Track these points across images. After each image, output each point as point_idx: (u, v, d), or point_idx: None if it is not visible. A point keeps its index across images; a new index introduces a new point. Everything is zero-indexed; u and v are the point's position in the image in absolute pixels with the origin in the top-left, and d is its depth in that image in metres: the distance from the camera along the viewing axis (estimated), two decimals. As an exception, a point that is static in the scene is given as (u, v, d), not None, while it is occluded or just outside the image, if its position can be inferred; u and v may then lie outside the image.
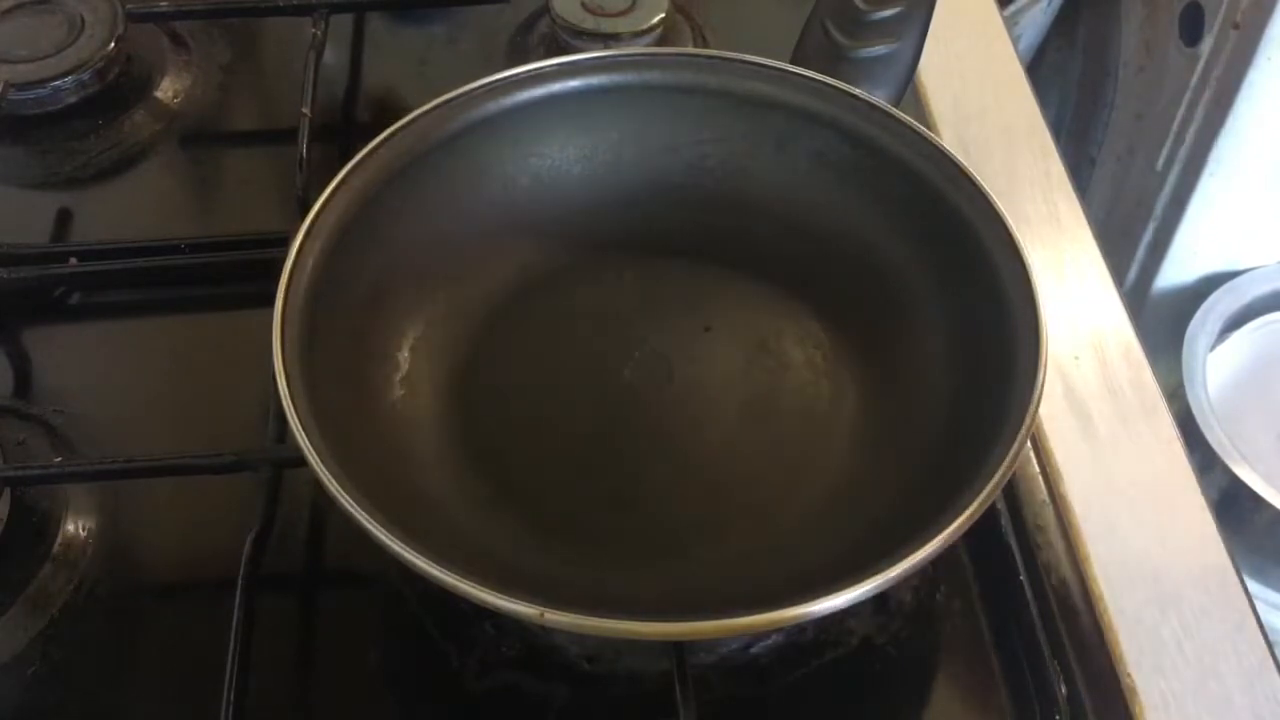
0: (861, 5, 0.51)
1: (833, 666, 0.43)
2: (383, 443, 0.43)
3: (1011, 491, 0.47)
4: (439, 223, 0.48)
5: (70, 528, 0.46)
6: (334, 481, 0.36)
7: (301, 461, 0.37)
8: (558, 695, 0.42)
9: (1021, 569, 0.44)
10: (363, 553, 0.40)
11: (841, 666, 0.43)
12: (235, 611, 0.41)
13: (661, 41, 0.62)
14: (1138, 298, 1.03)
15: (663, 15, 0.61)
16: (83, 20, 0.62)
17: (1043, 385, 0.39)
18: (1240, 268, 0.99)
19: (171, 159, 0.61)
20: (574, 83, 0.49)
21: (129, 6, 0.63)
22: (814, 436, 0.46)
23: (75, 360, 0.52)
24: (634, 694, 0.43)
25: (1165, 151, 0.96)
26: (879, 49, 0.51)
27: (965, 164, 0.45)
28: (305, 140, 0.56)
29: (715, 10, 0.66)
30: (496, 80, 0.48)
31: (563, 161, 0.51)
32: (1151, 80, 0.98)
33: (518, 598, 0.34)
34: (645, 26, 0.60)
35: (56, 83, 0.60)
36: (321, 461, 0.37)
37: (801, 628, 0.44)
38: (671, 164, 0.51)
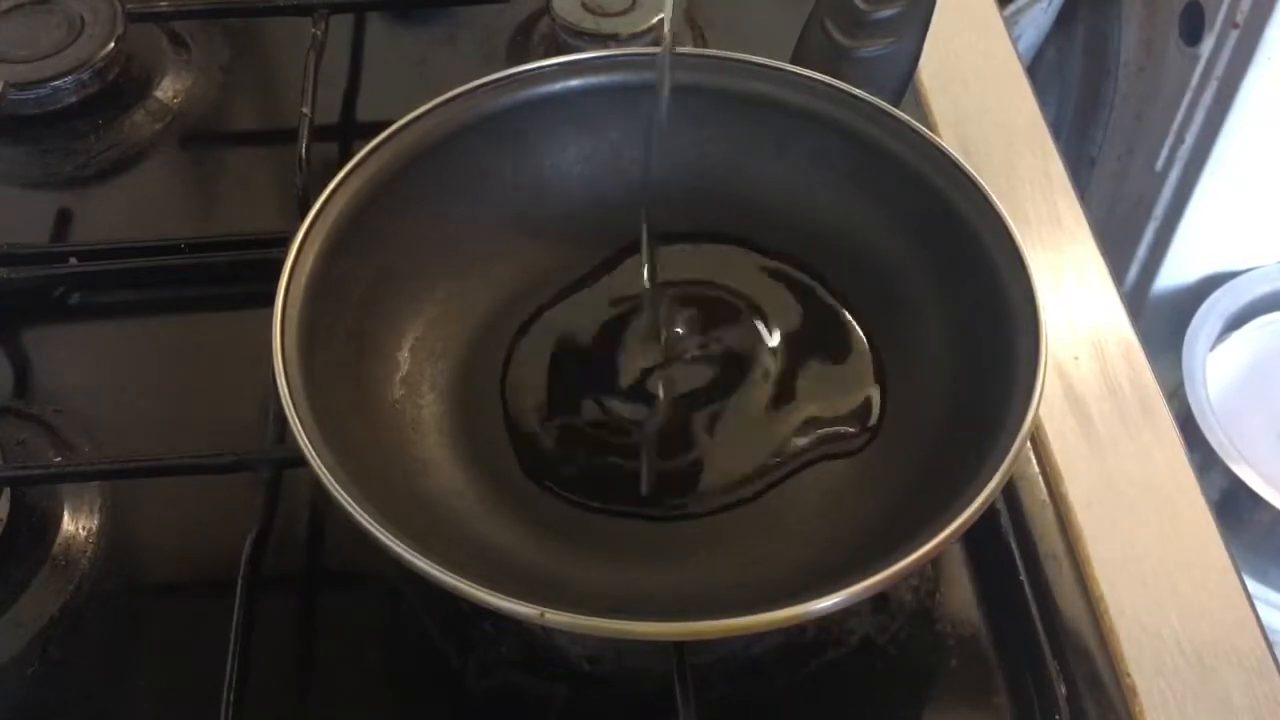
0: (861, 5, 0.51)
1: (833, 666, 0.43)
2: (383, 443, 0.43)
3: (1011, 491, 0.47)
4: (439, 223, 0.48)
5: (70, 528, 0.46)
6: (334, 481, 0.36)
7: (301, 461, 0.37)
8: (558, 695, 0.42)
9: (1021, 569, 0.44)
10: (363, 553, 0.40)
11: (841, 666, 0.43)
12: (235, 611, 0.41)
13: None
14: (1138, 298, 1.03)
15: (663, 15, 0.61)
16: (83, 20, 0.62)
17: (1043, 385, 0.39)
18: (1240, 268, 0.99)
19: (171, 159, 0.61)
20: (574, 83, 0.49)
21: (129, 6, 0.63)
22: (814, 436, 0.46)
23: (75, 360, 0.52)
24: (634, 694, 0.43)
25: (1165, 151, 0.96)
26: (879, 49, 0.51)
27: (965, 164, 0.45)
28: (305, 140, 0.55)
29: (715, 10, 0.66)
30: (496, 80, 0.48)
31: (563, 161, 0.51)
32: (1151, 80, 0.98)
33: (518, 598, 0.34)
34: (645, 26, 0.60)
35: (56, 83, 0.60)
36: (321, 461, 0.37)
37: (801, 628, 0.44)
38: (671, 164, 0.51)
